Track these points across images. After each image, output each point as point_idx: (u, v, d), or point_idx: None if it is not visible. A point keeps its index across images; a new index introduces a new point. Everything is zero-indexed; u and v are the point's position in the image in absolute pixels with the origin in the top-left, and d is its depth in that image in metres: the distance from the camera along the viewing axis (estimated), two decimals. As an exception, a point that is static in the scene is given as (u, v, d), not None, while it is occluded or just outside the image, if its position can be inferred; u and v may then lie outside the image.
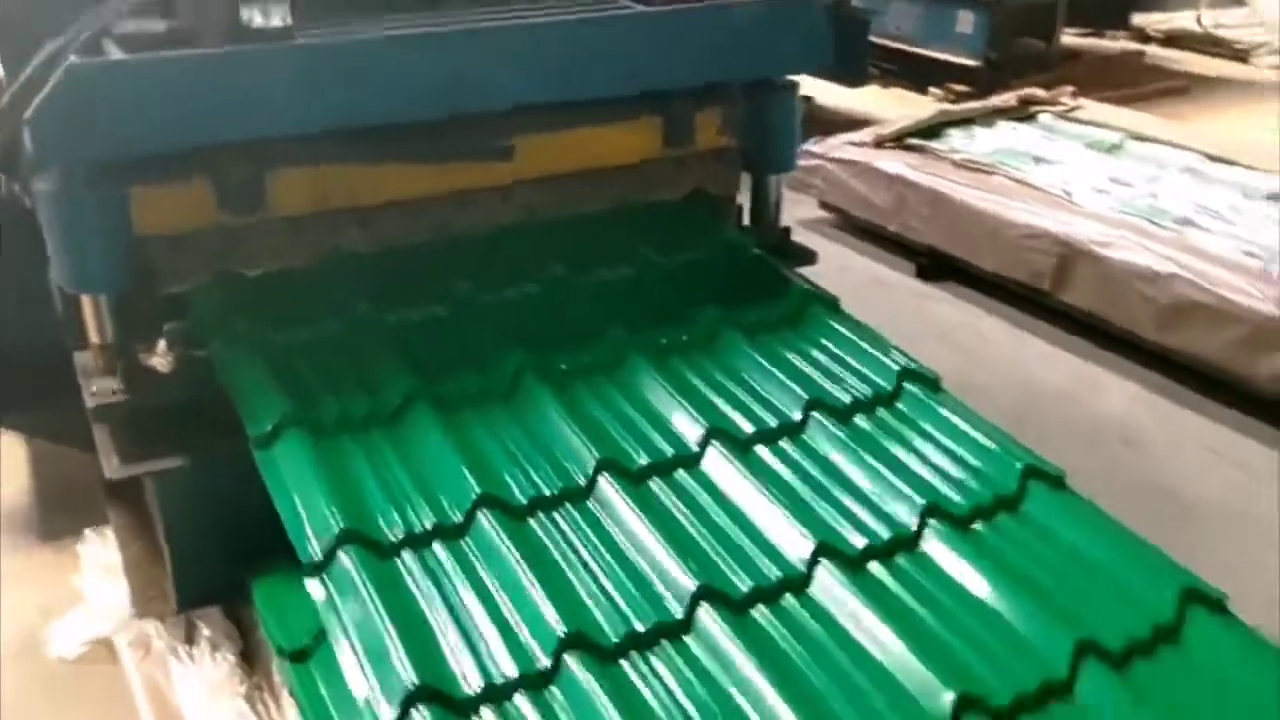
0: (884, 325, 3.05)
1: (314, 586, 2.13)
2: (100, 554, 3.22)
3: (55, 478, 3.83)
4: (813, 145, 6.02)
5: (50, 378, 2.99)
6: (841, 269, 5.51)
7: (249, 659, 2.76)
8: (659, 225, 3.31)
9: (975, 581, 2.21)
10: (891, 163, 5.74)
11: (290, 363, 2.67)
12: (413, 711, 1.84)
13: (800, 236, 3.67)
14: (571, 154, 3.13)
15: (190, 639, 2.82)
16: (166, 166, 2.65)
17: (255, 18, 2.57)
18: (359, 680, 1.91)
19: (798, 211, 6.06)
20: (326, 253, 2.92)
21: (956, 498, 2.41)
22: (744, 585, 2.16)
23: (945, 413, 2.66)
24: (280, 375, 2.60)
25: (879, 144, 5.98)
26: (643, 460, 2.49)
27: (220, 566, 2.66)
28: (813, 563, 2.20)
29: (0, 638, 3.16)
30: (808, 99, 3.90)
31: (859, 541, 2.29)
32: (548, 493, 2.38)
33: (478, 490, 2.30)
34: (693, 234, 3.32)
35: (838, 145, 6.03)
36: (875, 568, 2.25)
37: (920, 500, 2.37)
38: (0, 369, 3.33)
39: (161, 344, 2.78)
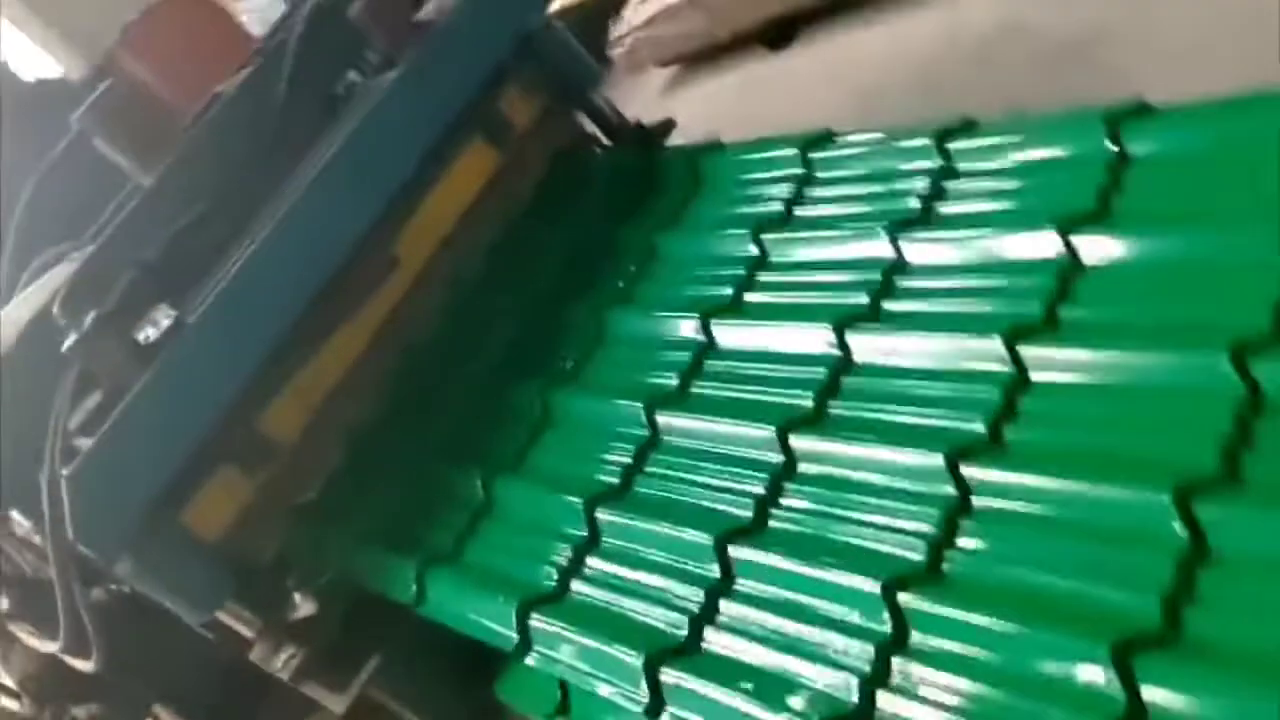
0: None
1: (531, 660, 2.45)
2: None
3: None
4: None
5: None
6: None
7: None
8: (549, 206, 3.58)
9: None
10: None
11: (383, 535, 3.01)
12: (660, 674, 2.15)
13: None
14: (438, 219, 3.40)
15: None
16: (185, 480, 2.98)
17: (148, 333, 2.89)
18: (606, 690, 2.24)
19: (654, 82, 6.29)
20: (339, 439, 3.25)
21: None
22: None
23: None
24: (389, 546, 2.94)
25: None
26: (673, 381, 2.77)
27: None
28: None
29: None
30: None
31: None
32: (630, 461, 2.67)
33: (580, 500, 2.60)
34: (578, 190, 3.58)
35: (635, 12, 6.19)
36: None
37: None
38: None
39: (297, 597, 3.14)
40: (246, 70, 3.81)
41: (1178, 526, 1.64)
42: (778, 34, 5.50)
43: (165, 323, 2.94)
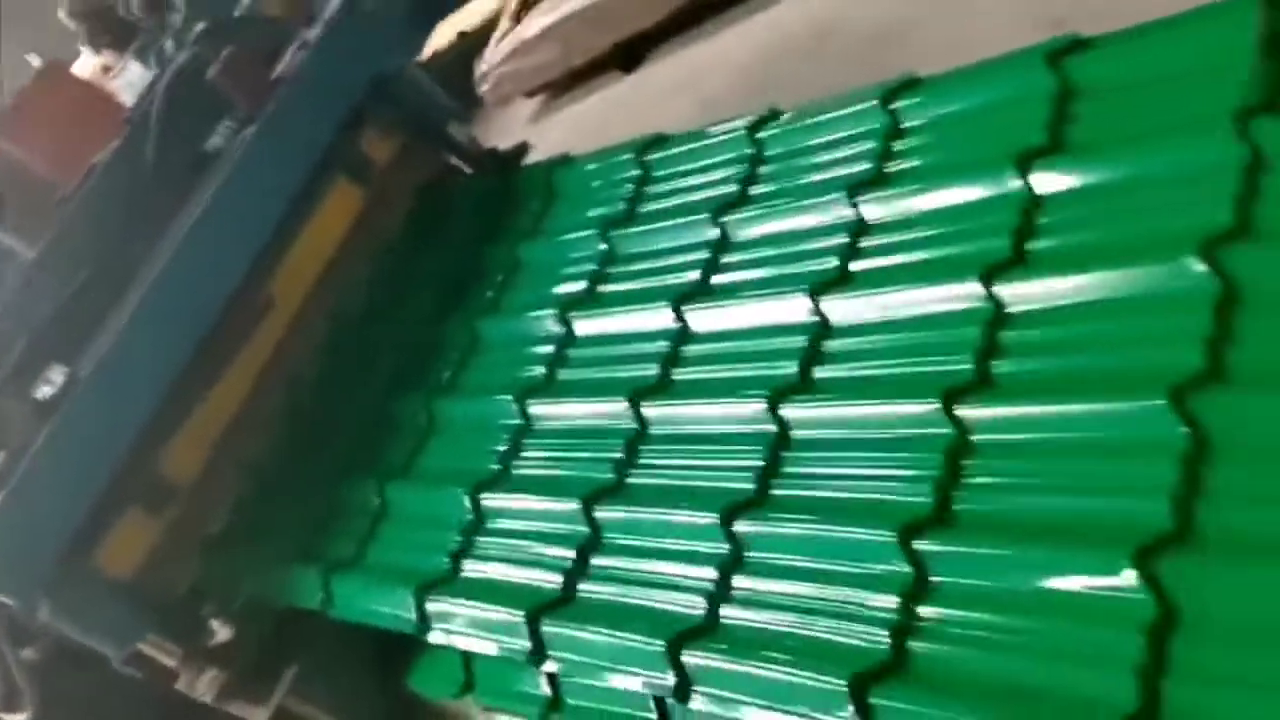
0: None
1: (431, 637, 2.68)
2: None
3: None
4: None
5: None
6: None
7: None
8: (419, 235, 3.82)
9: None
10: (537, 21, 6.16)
11: (290, 553, 3.21)
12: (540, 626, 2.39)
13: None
14: (310, 258, 3.62)
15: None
16: (94, 524, 3.15)
17: (44, 391, 3.07)
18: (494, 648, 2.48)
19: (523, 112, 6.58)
20: (239, 472, 3.44)
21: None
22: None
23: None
24: (296, 562, 3.14)
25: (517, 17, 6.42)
26: (540, 373, 3.03)
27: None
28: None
29: None
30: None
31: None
32: (507, 449, 2.91)
33: (465, 490, 2.84)
34: (444, 217, 3.83)
35: (493, 51, 6.47)
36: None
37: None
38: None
39: (214, 623, 3.31)
40: (117, 140, 4.00)
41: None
42: (628, 56, 5.83)
43: (60, 379, 3.12)
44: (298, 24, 4.05)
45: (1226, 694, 1.50)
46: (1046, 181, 2.18)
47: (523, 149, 4.11)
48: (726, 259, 2.78)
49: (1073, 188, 2.15)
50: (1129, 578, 1.60)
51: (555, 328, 3.06)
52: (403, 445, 3.23)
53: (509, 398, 2.95)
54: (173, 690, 3.38)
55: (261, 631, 3.28)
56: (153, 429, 3.27)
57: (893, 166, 2.56)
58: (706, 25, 5.29)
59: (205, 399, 3.41)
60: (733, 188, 2.90)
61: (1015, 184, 2.20)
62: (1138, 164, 2.07)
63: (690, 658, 2.07)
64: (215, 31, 3.88)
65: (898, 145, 2.59)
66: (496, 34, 6.26)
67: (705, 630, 2.12)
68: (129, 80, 6.88)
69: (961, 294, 2.13)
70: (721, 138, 3.02)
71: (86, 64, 6.67)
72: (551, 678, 2.51)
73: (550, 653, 2.37)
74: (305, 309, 3.63)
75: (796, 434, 2.28)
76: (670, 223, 3.00)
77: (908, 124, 2.59)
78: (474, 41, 6.95)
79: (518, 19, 6.12)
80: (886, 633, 1.84)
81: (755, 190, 2.85)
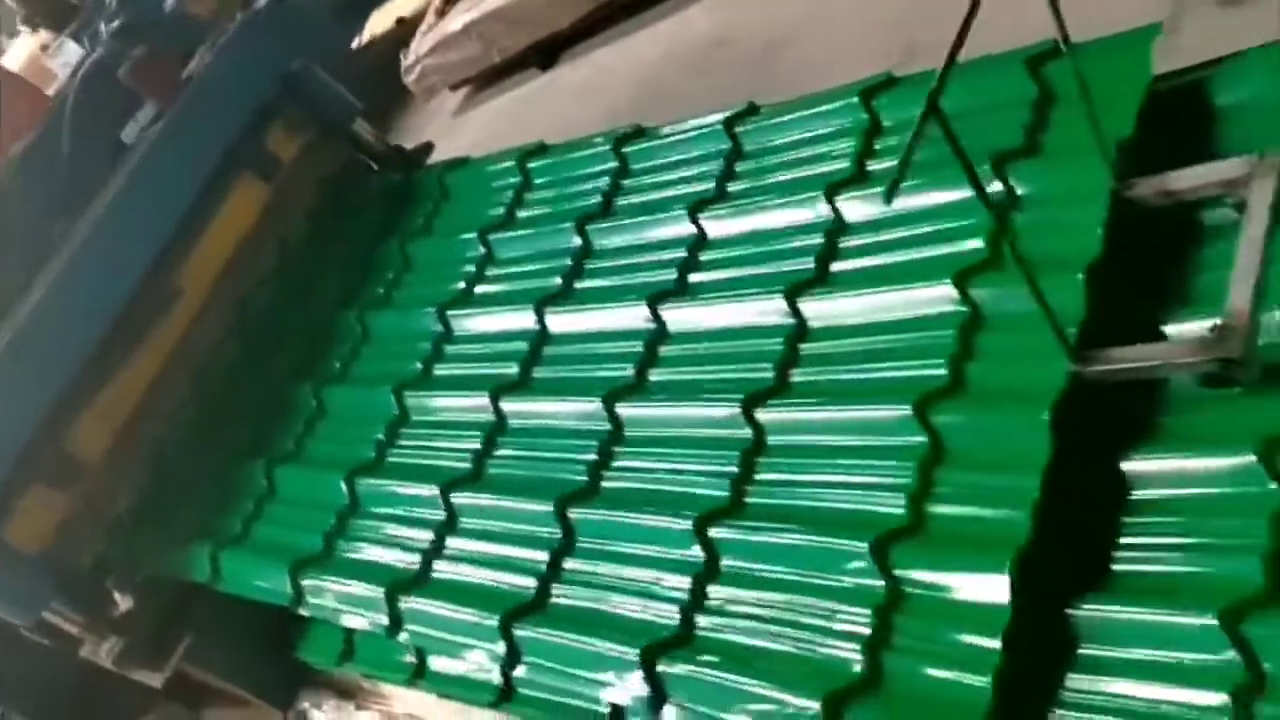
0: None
1: (305, 610, 2.92)
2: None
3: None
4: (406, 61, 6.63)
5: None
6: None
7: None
8: (322, 229, 4.04)
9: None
10: (459, 17, 6.35)
11: (187, 531, 3.44)
12: (399, 602, 2.64)
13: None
14: (216, 250, 3.82)
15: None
16: (3, 499, 3.36)
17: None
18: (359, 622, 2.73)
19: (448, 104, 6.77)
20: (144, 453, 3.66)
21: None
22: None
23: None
24: (192, 539, 3.37)
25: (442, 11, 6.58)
26: (418, 367, 3.26)
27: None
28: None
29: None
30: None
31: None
32: (384, 438, 3.15)
33: (343, 474, 3.07)
34: (347, 212, 4.04)
35: (419, 43, 6.63)
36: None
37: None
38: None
39: (116, 594, 3.53)
40: (35, 132, 4.18)
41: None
42: (546, 56, 6.04)
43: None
44: (218, 23, 4.22)
45: (928, 662, 1.79)
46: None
47: (427, 148, 4.31)
48: (590, 265, 3.02)
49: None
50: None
51: (434, 324, 3.29)
52: (293, 429, 3.46)
53: (388, 390, 3.18)
54: (82, 661, 3.61)
55: (160, 603, 3.50)
56: (61, 409, 3.46)
57: (733, 185, 2.82)
58: (618, 28, 5.52)
59: (113, 381, 3.61)
60: (597, 200, 3.13)
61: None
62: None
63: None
64: (129, 29, 4.05)
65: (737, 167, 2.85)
66: (423, 27, 6.44)
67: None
68: (65, 60, 7.00)
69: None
70: (589, 151, 3.26)
71: (26, 43, 6.79)
72: (418, 652, 2.78)
73: (407, 626, 2.62)
74: (212, 298, 3.83)
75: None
76: (544, 229, 3.23)
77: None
78: (412, 28, 7.11)
79: (442, 13, 6.30)
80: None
81: (620, 201, 3.09)
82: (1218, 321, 1.74)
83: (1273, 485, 1.63)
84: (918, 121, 1.60)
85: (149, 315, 3.67)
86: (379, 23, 7.61)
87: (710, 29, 4.77)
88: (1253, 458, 1.65)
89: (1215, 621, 1.55)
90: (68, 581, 3.48)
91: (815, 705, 1.83)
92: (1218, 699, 1.55)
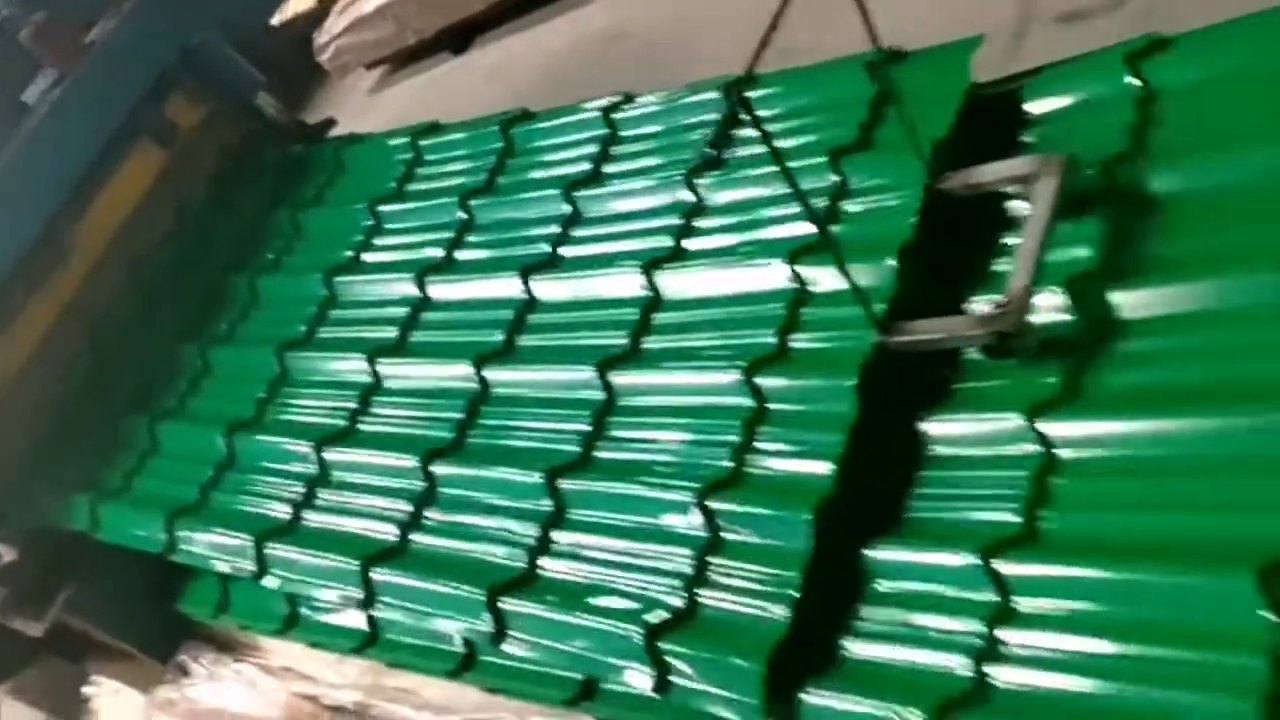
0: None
1: (177, 557, 3.04)
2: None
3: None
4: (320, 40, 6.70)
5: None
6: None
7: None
8: (220, 195, 4.13)
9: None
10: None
11: (72, 484, 3.52)
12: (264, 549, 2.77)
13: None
14: (111, 211, 3.90)
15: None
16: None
17: None
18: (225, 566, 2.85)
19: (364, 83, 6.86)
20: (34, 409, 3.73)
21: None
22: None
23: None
24: (76, 491, 3.46)
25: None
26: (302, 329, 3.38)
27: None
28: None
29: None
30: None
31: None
32: (264, 396, 3.27)
33: (221, 429, 3.18)
34: (245, 181, 4.14)
35: (334, 21, 6.68)
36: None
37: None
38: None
39: (0, 547, 3.60)
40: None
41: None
42: (459, 39, 6.16)
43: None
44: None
45: (737, 595, 1.97)
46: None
47: (329, 123, 4.43)
48: (471, 237, 3.17)
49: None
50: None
51: (320, 289, 3.41)
52: (179, 387, 3.56)
53: (269, 350, 3.30)
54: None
55: (44, 554, 3.57)
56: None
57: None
58: (528, 16, 5.67)
59: (4, 335, 3.68)
60: (482, 177, 3.28)
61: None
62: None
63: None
64: (33, -7, 4.10)
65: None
66: (338, 5, 6.51)
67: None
68: None
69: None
70: (477, 131, 3.41)
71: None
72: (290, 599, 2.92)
73: (271, 571, 2.75)
74: (108, 257, 3.91)
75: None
76: (428, 203, 3.38)
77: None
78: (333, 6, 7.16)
79: (357, -8, 6.38)
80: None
81: (502, 180, 3.24)
82: (1000, 299, 1.95)
83: (1035, 444, 1.85)
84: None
85: (42, 272, 3.74)
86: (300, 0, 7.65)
87: (609, 24, 4.95)
88: (1021, 420, 1.86)
89: (978, 560, 1.76)
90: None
91: (639, 634, 2.02)
92: (974, 626, 1.76)
